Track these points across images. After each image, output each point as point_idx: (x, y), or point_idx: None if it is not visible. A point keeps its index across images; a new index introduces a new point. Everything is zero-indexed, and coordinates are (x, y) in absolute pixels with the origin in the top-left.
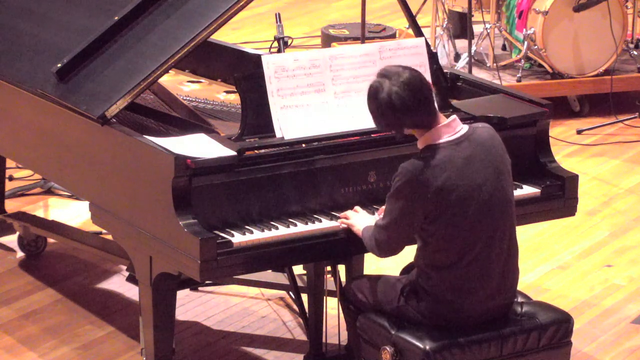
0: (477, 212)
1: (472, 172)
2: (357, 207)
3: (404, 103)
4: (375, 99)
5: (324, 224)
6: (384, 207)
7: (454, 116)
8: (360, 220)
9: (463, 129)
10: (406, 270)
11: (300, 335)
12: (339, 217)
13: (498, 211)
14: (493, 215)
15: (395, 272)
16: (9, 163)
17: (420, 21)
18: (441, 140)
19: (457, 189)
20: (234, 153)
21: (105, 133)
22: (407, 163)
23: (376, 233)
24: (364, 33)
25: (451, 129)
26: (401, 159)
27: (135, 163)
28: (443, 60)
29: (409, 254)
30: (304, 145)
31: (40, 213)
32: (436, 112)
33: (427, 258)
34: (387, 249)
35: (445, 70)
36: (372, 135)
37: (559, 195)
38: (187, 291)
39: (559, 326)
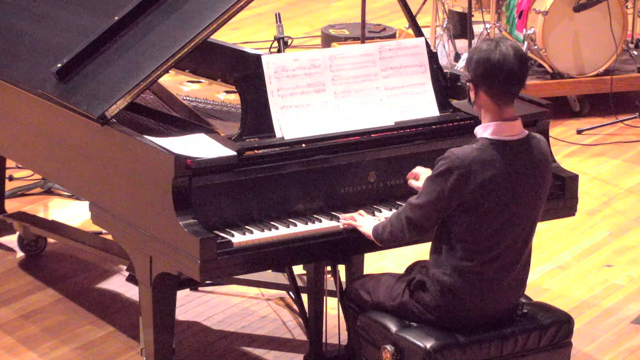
0: (508, 218)
1: (517, 179)
2: (361, 211)
3: (504, 65)
4: (477, 51)
5: (324, 224)
6: (385, 212)
7: (519, 118)
8: (368, 220)
9: (523, 133)
10: (410, 269)
11: (300, 335)
12: (341, 220)
13: (524, 224)
14: (519, 227)
15: (396, 271)
16: (9, 163)
17: (420, 21)
18: (499, 137)
19: (497, 190)
20: (234, 153)
21: (105, 133)
22: (458, 149)
23: (408, 211)
24: (364, 33)
25: (514, 129)
26: (401, 159)
27: (135, 163)
28: (443, 60)
29: (410, 253)
30: (304, 145)
31: (40, 213)
32: (514, 99)
33: (448, 244)
34: (418, 227)
35: (445, 70)
36: (372, 135)
37: (559, 195)
38: (187, 291)
39: (559, 327)
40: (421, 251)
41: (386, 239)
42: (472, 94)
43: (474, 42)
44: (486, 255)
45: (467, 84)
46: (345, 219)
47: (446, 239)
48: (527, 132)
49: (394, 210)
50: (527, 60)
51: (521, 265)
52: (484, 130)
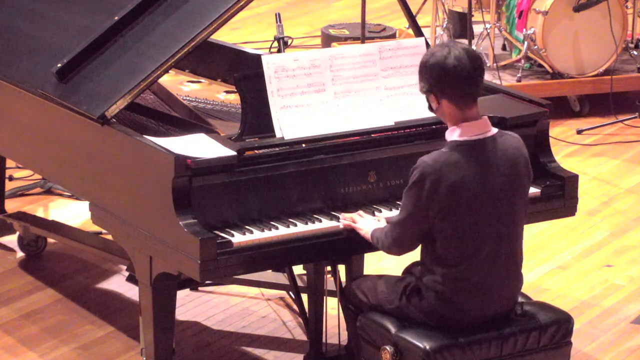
0: (486, 218)
1: (489, 177)
2: (360, 212)
3: (461, 68)
4: (430, 59)
5: (324, 224)
6: (385, 212)
7: (485, 117)
8: (368, 223)
9: (492, 131)
10: (408, 270)
11: (300, 335)
12: (341, 220)
13: (506, 222)
14: (501, 225)
15: (396, 272)
16: (9, 163)
17: (420, 21)
18: (468, 138)
19: (470, 190)
20: (234, 153)
21: (105, 133)
22: (427, 157)
23: (392, 230)
24: (364, 33)
25: (480, 128)
26: (401, 159)
27: (135, 163)
28: None
29: (410, 253)
30: (304, 145)
31: (40, 213)
32: (477, 98)
33: (434, 254)
34: (403, 245)
35: None
36: (372, 135)
37: (559, 195)
38: (187, 291)
39: (559, 326)
40: None
41: (380, 249)
42: (433, 103)
43: (474, 42)
44: (473, 258)
45: (427, 94)
46: (345, 219)
47: (431, 248)
48: (496, 129)
49: (394, 211)
50: (480, 59)
51: (512, 265)
52: (452, 134)
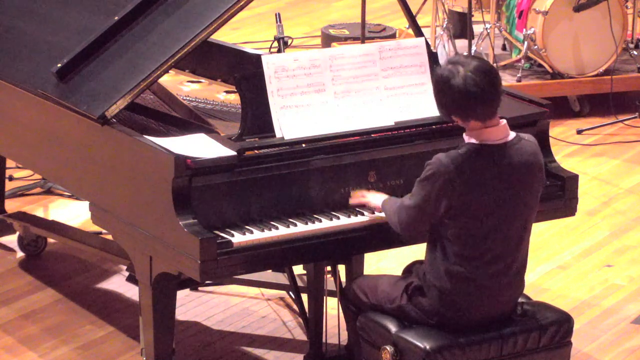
0: (497, 222)
1: (503, 182)
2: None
3: (479, 89)
4: (448, 85)
5: (324, 224)
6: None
7: (504, 121)
8: (376, 195)
9: (510, 135)
10: (408, 270)
11: (300, 335)
12: (350, 200)
13: (516, 226)
14: (510, 230)
15: (396, 272)
16: (9, 163)
17: (420, 21)
18: (484, 142)
19: (483, 195)
20: (234, 153)
21: (105, 133)
22: (443, 155)
23: (401, 211)
24: (364, 33)
25: (499, 133)
26: (401, 159)
27: (135, 163)
28: (443, 60)
29: (410, 254)
30: (304, 145)
31: (40, 213)
32: (498, 105)
33: (440, 252)
34: (407, 229)
35: None
36: (372, 135)
37: (559, 195)
38: (187, 291)
39: (559, 326)
40: (420, 251)
41: (387, 220)
42: (458, 122)
43: (474, 42)
44: (479, 260)
45: (448, 117)
46: (355, 196)
47: (439, 245)
48: (514, 133)
49: None
50: (496, 72)
51: (516, 268)
52: (470, 137)
